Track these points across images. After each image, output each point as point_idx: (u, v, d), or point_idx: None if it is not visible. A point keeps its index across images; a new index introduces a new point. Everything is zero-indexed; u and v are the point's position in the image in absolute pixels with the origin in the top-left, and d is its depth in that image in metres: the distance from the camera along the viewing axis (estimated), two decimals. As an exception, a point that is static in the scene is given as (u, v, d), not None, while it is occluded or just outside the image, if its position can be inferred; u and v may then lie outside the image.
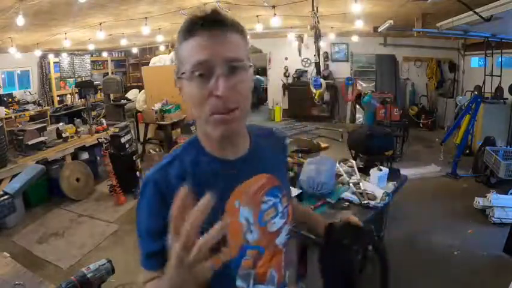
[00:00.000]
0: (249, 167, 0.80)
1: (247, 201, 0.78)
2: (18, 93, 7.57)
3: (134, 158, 4.66)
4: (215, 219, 0.70)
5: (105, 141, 4.45)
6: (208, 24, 0.66)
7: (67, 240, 3.58)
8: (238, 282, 0.80)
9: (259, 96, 10.85)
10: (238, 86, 0.68)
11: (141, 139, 6.26)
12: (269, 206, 0.83)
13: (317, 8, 4.16)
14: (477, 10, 3.39)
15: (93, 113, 6.89)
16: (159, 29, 5.78)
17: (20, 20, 3.60)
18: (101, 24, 4.88)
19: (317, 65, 4.83)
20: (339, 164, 2.71)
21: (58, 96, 8.49)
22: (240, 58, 0.68)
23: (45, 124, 5.41)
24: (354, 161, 2.94)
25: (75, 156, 4.83)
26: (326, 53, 8.60)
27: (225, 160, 0.78)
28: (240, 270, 0.79)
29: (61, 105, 8.18)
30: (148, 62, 7.43)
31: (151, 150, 5.69)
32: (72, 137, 4.90)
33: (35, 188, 4.10)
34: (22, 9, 3.50)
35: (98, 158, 5.10)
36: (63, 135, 4.80)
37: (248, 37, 0.75)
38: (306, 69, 8.88)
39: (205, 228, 0.69)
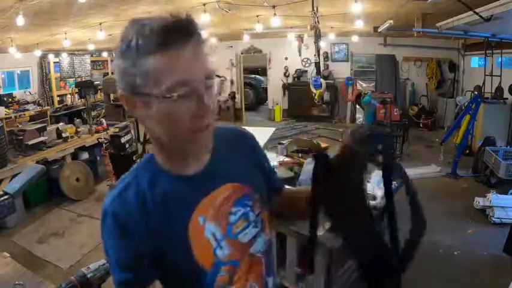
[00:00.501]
0: (210, 180, 0.75)
1: (213, 216, 0.74)
2: (18, 93, 7.57)
3: (134, 158, 4.66)
4: (178, 240, 0.72)
5: (105, 141, 4.46)
6: (182, 34, 0.60)
7: (67, 240, 3.58)
8: None
9: (259, 96, 10.86)
10: (214, 101, 0.66)
11: (141, 139, 6.26)
12: (238, 217, 0.78)
13: (317, 8, 4.15)
14: (477, 10, 3.38)
15: (93, 113, 6.89)
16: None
17: (20, 20, 3.60)
18: (101, 24, 4.88)
19: (317, 65, 4.82)
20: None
21: (58, 96, 8.48)
22: (213, 72, 0.65)
23: (45, 124, 5.41)
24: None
25: (75, 156, 4.83)
26: (326, 53, 8.60)
27: (184, 176, 0.73)
28: (216, 287, 0.76)
29: (61, 105, 8.18)
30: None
31: (151, 151, 5.68)
32: (72, 137, 4.91)
33: (35, 188, 4.10)
34: (22, 9, 3.50)
35: (98, 158, 5.10)
36: (63, 135, 4.80)
37: (211, 47, 0.72)
38: (306, 69, 8.88)
39: (167, 249, 0.71)
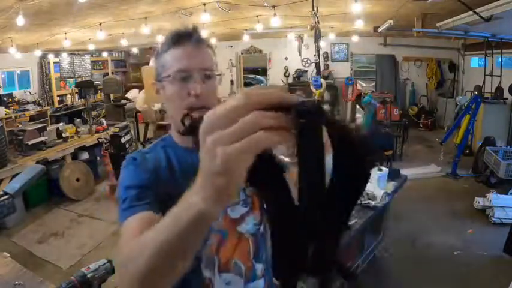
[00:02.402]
0: None
1: None
2: (18, 93, 7.57)
3: (134, 158, 4.66)
4: (173, 200, 0.73)
5: (105, 141, 4.45)
6: (190, 38, 0.83)
7: (67, 240, 3.58)
8: (205, 273, 0.85)
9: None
10: (210, 89, 0.84)
11: (141, 139, 6.27)
12: None
13: (317, 8, 4.16)
14: (477, 10, 3.38)
15: (93, 113, 6.90)
16: (159, 29, 5.78)
17: (20, 20, 3.60)
18: (100, 24, 4.88)
19: (317, 65, 4.83)
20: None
21: (58, 96, 8.48)
22: (212, 68, 0.86)
23: (45, 124, 5.41)
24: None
25: (75, 156, 4.83)
26: (326, 53, 8.60)
27: (190, 148, 0.85)
28: (204, 256, 0.84)
29: (61, 105, 8.19)
30: (148, 62, 7.43)
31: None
32: (72, 137, 4.90)
33: (35, 188, 4.09)
34: (22, 9, 3.50)
35: (98, 158, 5.09)
36: (63, 135, 4.79)
37: (215, 51, 0.92)
38: (306, 69, 8.88)
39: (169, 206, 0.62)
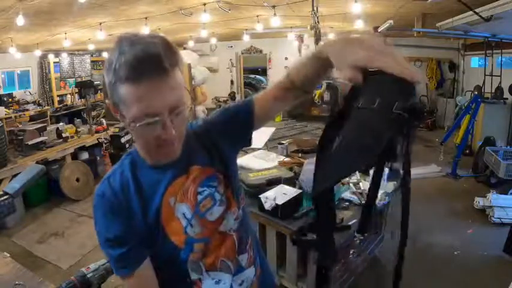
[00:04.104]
0: (179, 166, 0.84)
1: (182, 197, 0.83)
2: (18, 93, 7.57)
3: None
4: (153, 221, 0.80)
5: (105, 141, 4.46)
6: (153, 70, 0.66)
7: (67, 240, 3.58)
8: (192, 275, 0.86)
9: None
10: (180, 125, 0.74)
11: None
12: (204, 197, 0.85)
13: (317, 8, 4.16)
14: (477, 10, 3.38)
15: (93, 113, 6.89)
16: (159, 29, 5.78)
17: (20, 20, 3.61)
18: (100, 24, 4.88)
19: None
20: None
21: (58, 96, 8.48)
22: (182, 102, 0.72)
23: (45, 124, 5.41)
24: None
25: (75, 156, 4.83)
26: (326, 53, 8.60)
27: (158, 165, 0.83)
28: (189, 263, 0.84)
29: (61, 105, 8.18)
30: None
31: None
32: (72, 137, 4.90)
33: (35, 188, 4.09)
34: (22, 9, 3.50)
35: (98, 158, 5.09)
36: (63, 135, 4.79)
37: (183, 62, 0.76)
38: (306, 69, 8.87)
39: (145, 229, 0.80)
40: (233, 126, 0.90)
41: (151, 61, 0.66)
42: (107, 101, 0.76)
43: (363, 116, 0.54)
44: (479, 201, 3.72)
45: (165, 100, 0.69)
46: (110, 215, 0.78)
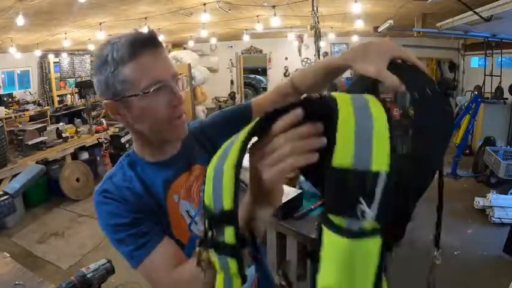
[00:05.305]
0: (182, 163, 0.85)
1: (186, 194, 0.84)
2: (18, 93, 7.57)
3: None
4: (159, 218, 0.79)
5: (105, 141, 4.46)
6: (153, 43, 0.74)
7: (67, 240, 3.58)
8: None
9: (259, 96, 10.85)
10: (183, 94, 0.79)
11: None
12: None
13: (317, 8, 4.16)
14: (477, 10, 3.39)
15: (93, 113, 6.88)
16: (159, 29, 5.78)
17: (20, 20, 3.61)
18: (100, 24, 4.88)
19: (317, 65, 4.82)
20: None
21: (58, 96, 8.47)
22: (177, 70, 0.79)
23: (45, 124, 5.41)
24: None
25: (75, 156, 4.83)
26: (326, 53, 8.60)
27: (160, 162, 0.83)
28: None
29: (61, 105, 8.17)
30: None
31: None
32: (72, 137, 4.90)
33: (35, 188, 4.10)
34: (22, 9, 3.50)
35: (98, 158, 5.10)
36: (63, 135, 4.80)
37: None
38: (306, 69, 8.88)
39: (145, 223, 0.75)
40: (231, 128, 0.90)
41: (146, 37, 0.73)
42: (105, 101, 0.76)
43: (428, 103, 0.56)
44: (479, 201, 3.72)
45: (166, 67, 0.75)
46: (118, 205, 0.76)
